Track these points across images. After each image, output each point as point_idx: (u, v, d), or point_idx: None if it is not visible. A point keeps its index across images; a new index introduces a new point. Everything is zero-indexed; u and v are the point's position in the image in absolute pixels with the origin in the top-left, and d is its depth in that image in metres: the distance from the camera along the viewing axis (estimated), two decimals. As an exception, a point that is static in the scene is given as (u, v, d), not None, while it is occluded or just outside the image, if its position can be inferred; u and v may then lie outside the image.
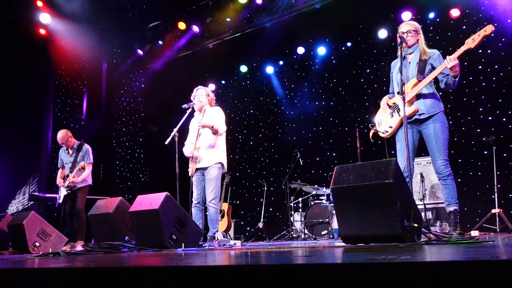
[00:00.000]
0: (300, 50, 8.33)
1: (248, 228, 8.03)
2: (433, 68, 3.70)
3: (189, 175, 4.77)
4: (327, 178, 6.97)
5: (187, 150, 4.84)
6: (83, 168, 5.76)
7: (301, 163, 6.97)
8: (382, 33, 7.41)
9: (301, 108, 8.38)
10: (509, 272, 1.06)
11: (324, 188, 6.74)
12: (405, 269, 1.18)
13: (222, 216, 6.82)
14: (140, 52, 9.18)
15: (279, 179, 7.77)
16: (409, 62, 3.84)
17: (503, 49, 6.32)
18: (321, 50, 8.20)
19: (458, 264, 1.18)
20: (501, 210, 5.12)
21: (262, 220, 7.26)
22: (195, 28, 8.45)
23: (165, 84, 9.14)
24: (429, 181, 5.45)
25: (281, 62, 8.79)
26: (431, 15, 6.98)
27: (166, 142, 4.81)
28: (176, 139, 4.85)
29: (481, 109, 6.45)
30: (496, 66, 6.41)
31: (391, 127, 3.86)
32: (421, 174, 5.41)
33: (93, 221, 5.01)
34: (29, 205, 8.15)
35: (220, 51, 8.73)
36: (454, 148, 6.08)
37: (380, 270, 1.20)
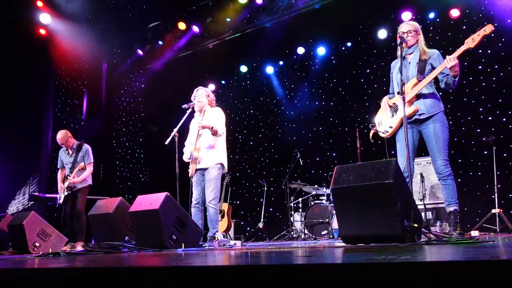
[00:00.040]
0: (300, 50, 8.33)
1: (248, 228, 8.03)
2: (433, 68, 3.70)
3: (189, 175, 4.76)
4: (327, 178, 6.97)
5: (186, 153, 4.84)
6: (83, 168, 5.76)
7: (301, 163, 6.97)
8: (382, 33, 7.41)
9: (301, 108, 8.38)
10: (509, 272, 1.06)
11: (324, 188, 6.73)
12: (405, 269, 1.18)
13: (222, 216, 6.82)
14: (140, 52, 9.19)
15: (279, 179, 7.77)
16: (409, 62, 3.85)
17: (503, 49, 6.32)
18: (321, 50, 8.20)
19: (458, 264, 1.18)
20: (501, 210, 5.12)
21: (262, 220, 7.26)
22: (195, 28, 8.45)
23: (165, 84, 9.14)
24: (429, 181, 5.45)
25: (281, 62, 8.79)
26: (431, 15, 6.98)
27: (166, 142, 4.81)
28: (176, 139, 4.85)
29: (481, 109, 6.45)
30: (496, 66, 6.41)
31: (391, 127, 3.86)
32: (421, 174, 5.41)
33: (93, 221, 5.01)
34: (29, 205, 8.15)
35: (220, 51, 8.73)
36: (454, 148, 6.08)
37: (380, 270, 1.20)
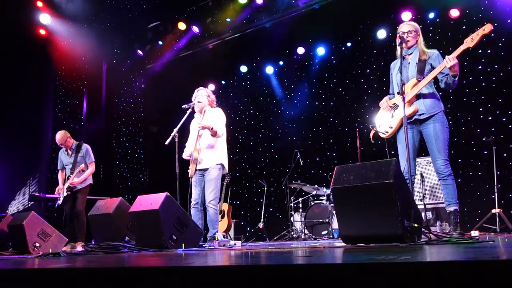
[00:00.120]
0: (300, 50, 8.33)
1: (248, 229, 8.03)
2: (433, 68, 3.70)
3: (189, 176, 4.76)
4: (327, 178, 6.97)
5: (186, 153, 4.84)
6: (83, 170, 5.75)
7: (301, 163, 6.97)
8: (382, 33, 7.42)
9: (301, 108, 8.38)
10: (509, 272, 1.06)
11: (324, 188, 6.73)
12: (406, 269, 1.18)
13: (222, 217, 6.82)
14: (140, 52, 9.19)
15: (279, 179, 7.77)
16: (409, 63, 3.85)
17: (503, 49, 6.33)
18: (321, 50, 8.20)
19: (459, 264, 1.18)
20: (501, 210, 5.13)
21: (262, 220, 7.26)
22: (195, 29, 8.45)
23: (165, 84, 9.15)
24: (429, 181, 5.45)
25: (281, 62, 8.79)
26: (431, 15, 6.98)
27: (166, 143, 4.81)
28: (176, 140, 4.85)
29: (481, 109, 6.45)
30: (496, 66, 6.41)
31: (391, 127, 3.86)
32: (421, 174, 5.41)
33: (93, 222, 5.01)
34: (29, 205, 8.15)
35: (220, 51, 8.74)
36: (454, 148, 6.08)
37: (381, 270, 1.20)
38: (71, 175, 5.80)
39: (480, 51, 6.37)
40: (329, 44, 8.14)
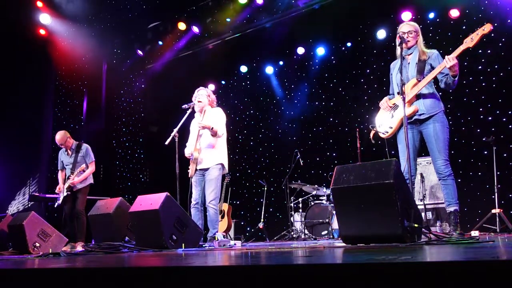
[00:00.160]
0: (300, 50, 8.33)
1: (248, 229, 8.03)
2: (432, 68, 3.70)
3: (189, 175, 4.76)
4: (327, 178, 6.97)
5: (187, 151, 4.85)
6: (84, 170, 5.76)
7: (301, 163, 6.96)
8: (382, 33, 7.42)
9: (301, 108, 8.38)
10: (509, 272, 1.06)
11: (324, 188, 6.73)
12: (406, 269, 1.18)
13: (222, 217, 6.82)
14: (140, 52, 9.19)
15: (279, 179, 7.77)
16: (408, 63, 3.85)
17: (503, 49, 6.33)
18: (321, 50, 8.20)
19: (459, 265, 1.18)
20: (501, 210, 5.12)
21: (262, 220, 7.26)
22: (195, 29, 8.45)
23: (165, 84, 9.15)
24: (429, 181, 5.45)
25: (281, 62, 8.79)
26: (431, 15, 6.98)
27: (166, 143, 4.81)
28: (176, 140, 4.85)
29: (481, 109, 6.45)
30: (496, 66, 6.41)
31: (391, 127, 3.86)
32: (421, 174, 5.41)
33: (93, 222, 5.01)
34: (29, 205, 8.15)
35: (220, 51, 8.74)
36: (454, 148, 6.08)
37: (381, 270, 1.20)
38: (71, 175, 5.80)
39: (480, 51, 6.37)
40: (329, 44, 8.14)
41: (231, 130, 8.27)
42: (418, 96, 3.73)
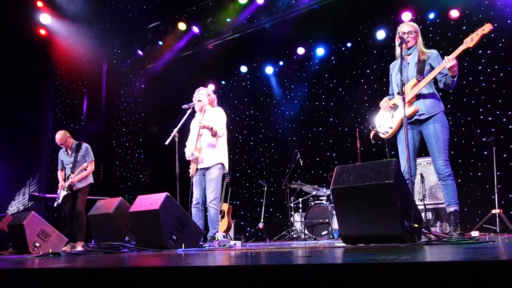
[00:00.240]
0: (300, 50, 8.34)
1: (248, 229, 8.03)
2: (432, 68, 3.70)
3: (190, 175, 4.77)
4: (327, 179, 6.97)
5: (187, 152, 4.85)
6: (85, 169, 5.76)
7: (301, 164, 6.97)
8: (382, 34, 7.42)
9: (301, 108, 8.39)
10: (509, 272, 1.06)
11: (324, 188, 6.73)
12: (406, 269, 1.18)
13: (222, 217, 6.81)
14: (140, 52, 9.19)
15: (279, 179, 7.77)
16: (408, 63, 3.85)
17: (503, 49, 6.33)
18: (321, 51, 8.20)
19: (459, 265, 1.18)
20: (501, 210, 5.12)
21: (262, 220, 7.26)
22: (195, 29, 8.45)
23: (165, 84, 9.14)
24: (429, 181, 5.45)
25: (281, 63, 8.79)
26: (431, 15, 6.99)
27: (166, 143, 4.81)
28: (176, 140, 4.85)
29: (481, 110, 6.45)
30: (496, 67, 6.41)
31: (391, 127, 3.86)
32: (421, 175, 5.41)
33: (93, 222, 5.01)
34: (29, 205, 8.15)
35: (220, 51, 8.74)
36: (454, 149, 6.08)
37: (381, 270, 1.20)
38: (71, 174, 5.80)
39: (480, 51, 6.37)
40: (329, 44, 8.14)
41: (231, 130, 8.27)
42: (418, 96, 3.73)
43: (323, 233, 6.38)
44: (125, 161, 9.49)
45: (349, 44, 7.96)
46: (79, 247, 5.33)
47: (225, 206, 6.96)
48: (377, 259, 1.41)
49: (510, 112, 6.24)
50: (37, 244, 4.77)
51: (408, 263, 1.22)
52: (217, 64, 8.85)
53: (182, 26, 8.46)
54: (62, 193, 5.84)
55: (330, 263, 1.43)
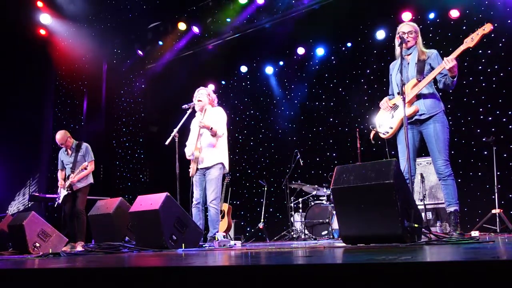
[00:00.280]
0: (300, 50, 8.34)
1: (248, 229, 8.03)
2: (432, 68, 3.70)
3: (190, 175, 4.77)
4: (327, 179, 6.97)
5: (188, 152, 4.86)
6: (85, 168, 5.76)
7: (301, 164, 6.97)
8: (382, 34, 7.43)
9: (301, 108, 8.39)
10: (509, 272, 1.06)
11: (324, 188, 6.73)
12: (406, 269, 1.18)
13: (222, 217, 6.82)
14: (140, 52, 9.19)
15: (279, 180, 7.77)
16: (408, 63, 3.84)
17: (503, 49, 6.33)
18: (321, 51, 8.20)
19: (459, 265, 1.18)
20: (501, 210, 5.13)
21: (262, 220, 7.26)
22: (195, 29, 8.45)
23: (165, 84, 9.15)
24: (429, 181, 5.45)
25: (281, 63, 8.79)
26: (431, 15, 6.99)
27: (166, 143, 4.81)
28: (176, 140, 4.85)
29: (481, 109, 6.45)
30: (496, 67, 6.41)
31: (391, 128, 3.86)
32: (421, 175, 5.41)
33: (93, 222, 5.01)
34: (29, 205, 8.15)
35: (220, 51, 8.74)
36: (454, 148, 6.08)
37: (381, 270, 1.20)
38: (71, 174, 5.80)
39: (480, 51, 6.37)
40: (329, 44, 8.14)
41: (231, 130, 8.27)
42: (419, 96, 3.73)
43: (323, 233, 6.38)
44: (125, 161, 9.49)
45: (349, 44, 7.96)
46: (79, 247, 5.33)
47: (225, 206, 6.96)
48: (377, 259, 1.41)
49: (510, 112, 6.24)
50: (37, 244, 4.77)
51: (408, 263, 1.22)
52: (217, 64, 8.85)
53: (182, 26, 8.46)
54: (62, 192, 5.85)
55: (330, 263, 1.42)
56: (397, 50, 3.84)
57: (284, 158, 7.86)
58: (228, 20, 8.20)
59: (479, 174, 6.23)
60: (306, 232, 6.50)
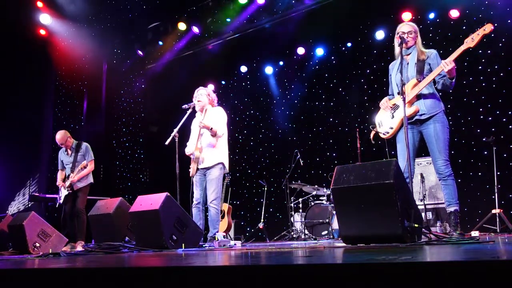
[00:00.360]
0: (300, 50, 8.34)
1: (248, 229, 8.03)
2: (431, 68, 3.70)
3: (190, 175, 4.77)
4: (327, 179, 6.97)
5: (187, 149, 4.87)
6: (85, 167, 5.76)
7: (301, 164, 6.97)
8: (382, 34, 7.42)
9: (301, 108, 8.39)
10: (509, 272, 1.06)
11: (324, 188, 6.73)
12: (406, 269, 1.18)
13: (222, 217, 6.81)
14: (140, 52, 9.19)
15: (279, 180, 7.76)
16: (408, 63, 3.84)
17: (503, 49, 6.33)
18: (321, 51, 8.20)
19: (459, 265, 1.18)
20: (501, 210, 5.12)
21: (262, 220, 7.26)
22: (195, 29, 8.45)
23: (165, 84, 9.15)
24: (429, 181, 5.45)
25: (281, 63, 8.79)
26: (431, 15, 6.99)
27: (166, 143, 4.81)
28: (176, 140, 4.85)
29: (481, 109, 6.45)
30: (496, 67, 6.41)
31: (392, 128, 3.86)
32: (421, 175, 5.41)
33: (93, 222, 5.01)
34: (29, 205, 8.15)
35: (220, 51, 8.74)
36: (454, 149, 6.08)
37: (381, 270, 1.20)
38: (71, 174, 5.80)
39: (480, 51, 6.37)
40: (329, 44, 8.14)
41: (231, 130, 8.27)
42: (419, 96, 3.73)
43: (323, 233, 6.38)
44: (125, 161, 9.49)
45: (349, 44, 7.96)
46: (79, 247, 5.33)
47: (225, 206, 6.96)
48: (377, 259, 1.41)
49: (510, 112, 6.24)
50: (37, 244, 4.77)
51: (408, 263, 1.22)
52: (217, 64, 8.85)
53: (182, 26, 8.46)
54: (63, 192, 5.85)
55: (330, 263, 1.42)
56: (397, 50, 3.84)
57: (284, 158, 7.86)
58: (228, 20, 8.20)
59: (479, 174, 6.23)
60: (306, 232, 6.50)
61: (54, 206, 6.15)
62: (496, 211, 5.13)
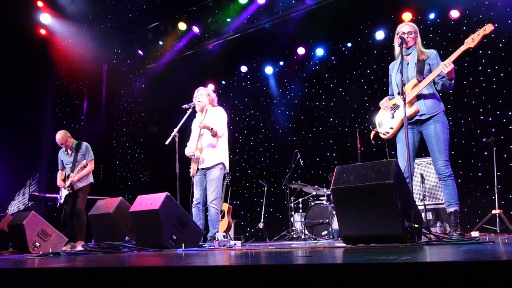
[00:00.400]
0: (300, 50, 8.34)
1: (248, 229, 8.03)
2: (431, 68, 3.71)
3: (190, 175, 4.77)
4: (327, 179, 6.97)
5: (187, 150, 4.87)
6: (85, 166, 5.77)
7: (301, 164, 6.97)
8: (382, 34, 7.43)
9: (301, 108, 8.39)
10: (509, 272, 1.06)
11: (324, 188, 6.73)
12: (406, 269, 1.18)
13: (222, 217, 6.82)
14: (140, 52, 9.19)
15: (279, 180, 7.77)
16: (408, 63, 3.85)
17: (503, 50, 6.33)
18: (321, 51, 8.21)
19: (459, 265, 1.18)
20: (501, 210, 5.13)
21: (262, 220, 7.26)
22: (195, 29, 8.45)
23: (165, 84, 9.15)
24: (429, 181, 5.45)
25: (281, 63, 8.79)
26: (431, 15, 6.99)
27: (167, 143, 4.81)
28: (176, 140, 4.85)
29: (481, 110, 6.45)
30: (496, 67, 6.41)
31: (392, 128, 3.86)
32: (421, 175, 5.41)
33: (93, 221, 5.01)
34: (29, 205, 8.15)
35: (220, 51, 8.74)
36: (455, 149, 6.08)
37: (381, 270, 1.20)
38: (71, 173, 5.81)
39: (480, 51, 6.38)
40: (329, 45, 8.14)
41: (231, 130, 8.26)
42: (419, 97, 3.73)
43: (323, 233, 6.38)
44: (125, 161, 9.49)
45: (349, 44, 7.96)
46: (79, 247, 5.33)
47: (225, 206, 6.96)
48: (377, 259, 1.41)
49: (510, 112, 6.24)
50: (37, 244, 4.77)
51: (408, 263, 1.22)
52: (217, 64, 8.85)
53: (182, 26, 8.46)
54: (64, 192, 5.85)
55: (330, 263, 1.43)
56: (397, 50, 3.84)
57: (284, 158, 7.86)
58: (228, 20, 8.20)
59: (479, 174, 6.23)
60: (306, 232, 6.50)
61: (54, 206, 6.16)
62: (496, 211, 5.13)
